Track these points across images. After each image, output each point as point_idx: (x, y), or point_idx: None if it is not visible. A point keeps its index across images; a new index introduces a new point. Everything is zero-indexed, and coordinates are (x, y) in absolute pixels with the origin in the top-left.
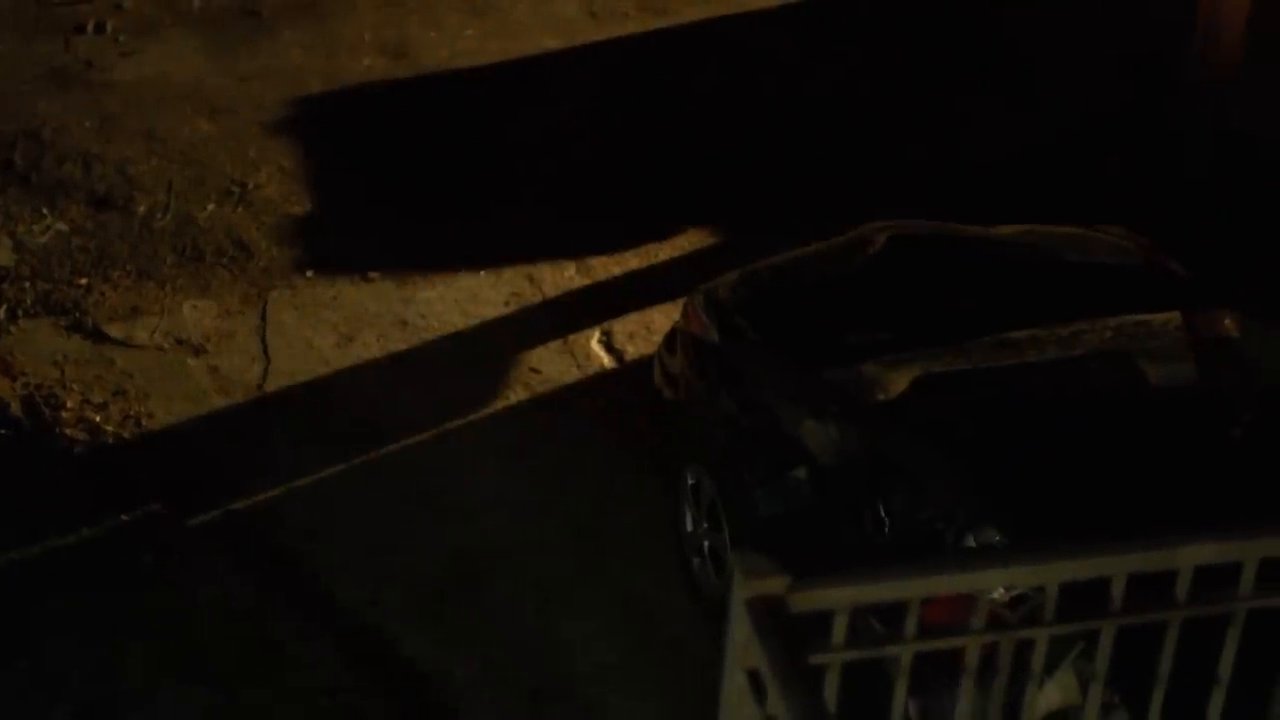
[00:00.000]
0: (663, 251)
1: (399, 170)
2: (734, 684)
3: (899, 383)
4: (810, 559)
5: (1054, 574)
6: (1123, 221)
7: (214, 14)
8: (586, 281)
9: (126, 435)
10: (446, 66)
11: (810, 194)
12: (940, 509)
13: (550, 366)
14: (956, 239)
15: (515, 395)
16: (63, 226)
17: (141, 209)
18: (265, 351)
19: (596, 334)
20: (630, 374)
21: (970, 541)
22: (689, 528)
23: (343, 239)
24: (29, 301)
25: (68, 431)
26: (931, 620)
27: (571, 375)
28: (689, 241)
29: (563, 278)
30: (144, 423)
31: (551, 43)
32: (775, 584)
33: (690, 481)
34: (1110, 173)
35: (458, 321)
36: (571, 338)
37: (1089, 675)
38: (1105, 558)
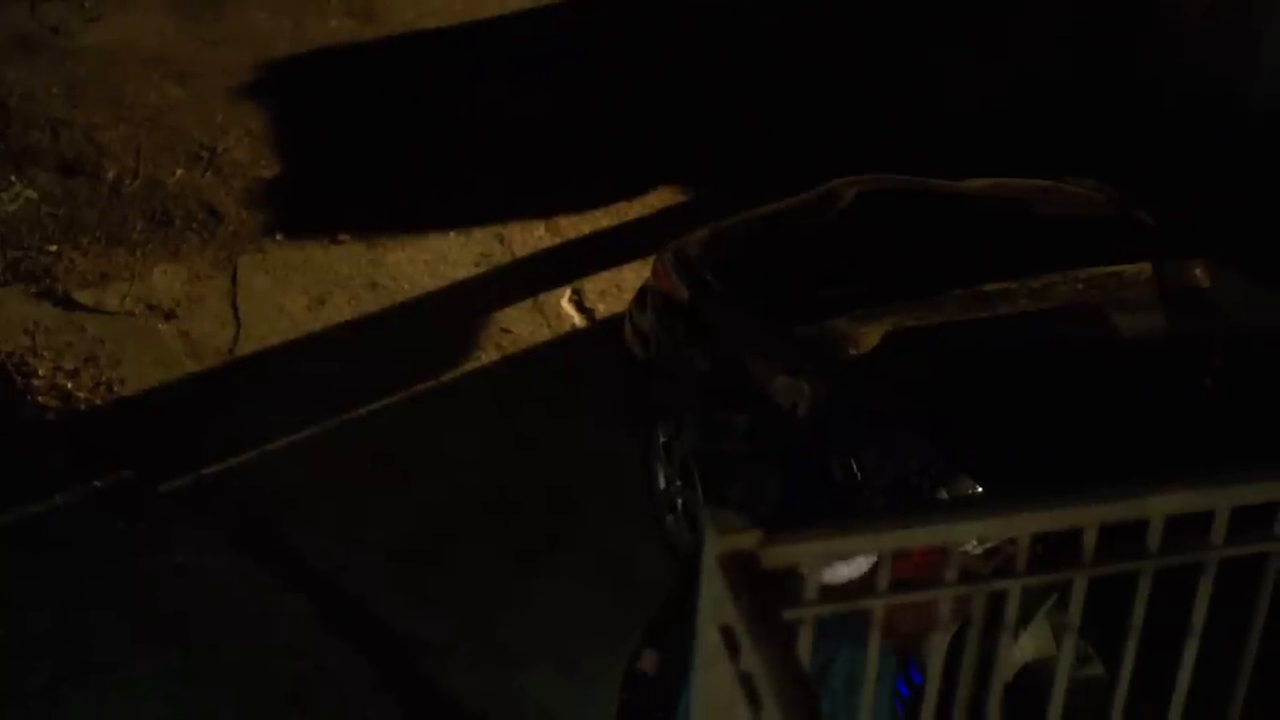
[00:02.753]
0: (632, 210)
1: (367, 132)
2: (707, 641)
3: (870, 337)
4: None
5: (1026, 525)
6: (1093, 173)
7: None
8: (556, 241)
9: (98, 402)
10: (413, 27)
11: (779, 150)
12: (913, 462)
13: (521, 326)
14: (926, 193)
15: (487, 355)
16: (31, 194)
17: (110, 175)
18: (236, 316)
19: (567, 293)
20: (601, 332)
21: (943, 494)
22: (661, 485)
23: (312, 202)
24: None
25: (40, 399)
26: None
27: (543, 335)
28: (659, 199)
29: (532, 237)
30: (116, 389)
31: (517, 3)
32: (747, 539)
33: (662, 439)
34: (1080, 123)
35: (428, 283)
36: (542, 297)
37: (1063, 626)
38: (1077, 508)
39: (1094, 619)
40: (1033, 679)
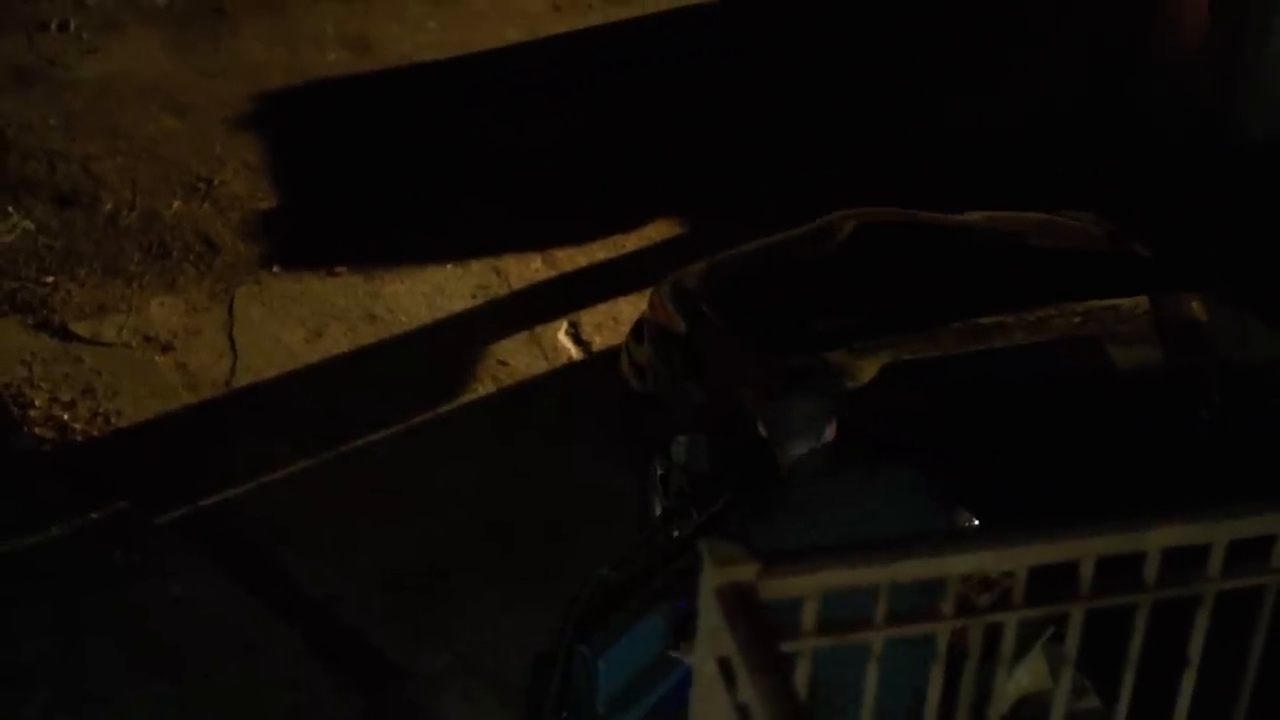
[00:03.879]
0: (629, 242)
1: (364, 164)
2: (704, 672)
3: (867, 370)
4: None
5: (1023, 557)
6: (1089, 206)
7: (177, 10)
8: (553, 273)
9: (95, 433)
10: (410, 60)
11: (778, 182)
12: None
13: (518, 358)
14: (923, 226)
15: (483, 388)
16: (28, 225)
17: (107, 206)
18: (233, 347)
19: (564, 325)
20: (598, 365)
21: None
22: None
23: (309, 234)
24: None
25: (36, 430)
26: None
27: (539, 367)
28: (655, 232)
29: (529, 270)
30: (112, 420)
31: (514, 34)
32: (745, 571)
33: (659, 471)
34: (1077, 156)
35: (425, 315)
36: (539, 329)
37: (1059, 659)
38: (1074, 541)
39: (1090, 652)
40: (1029, 712)
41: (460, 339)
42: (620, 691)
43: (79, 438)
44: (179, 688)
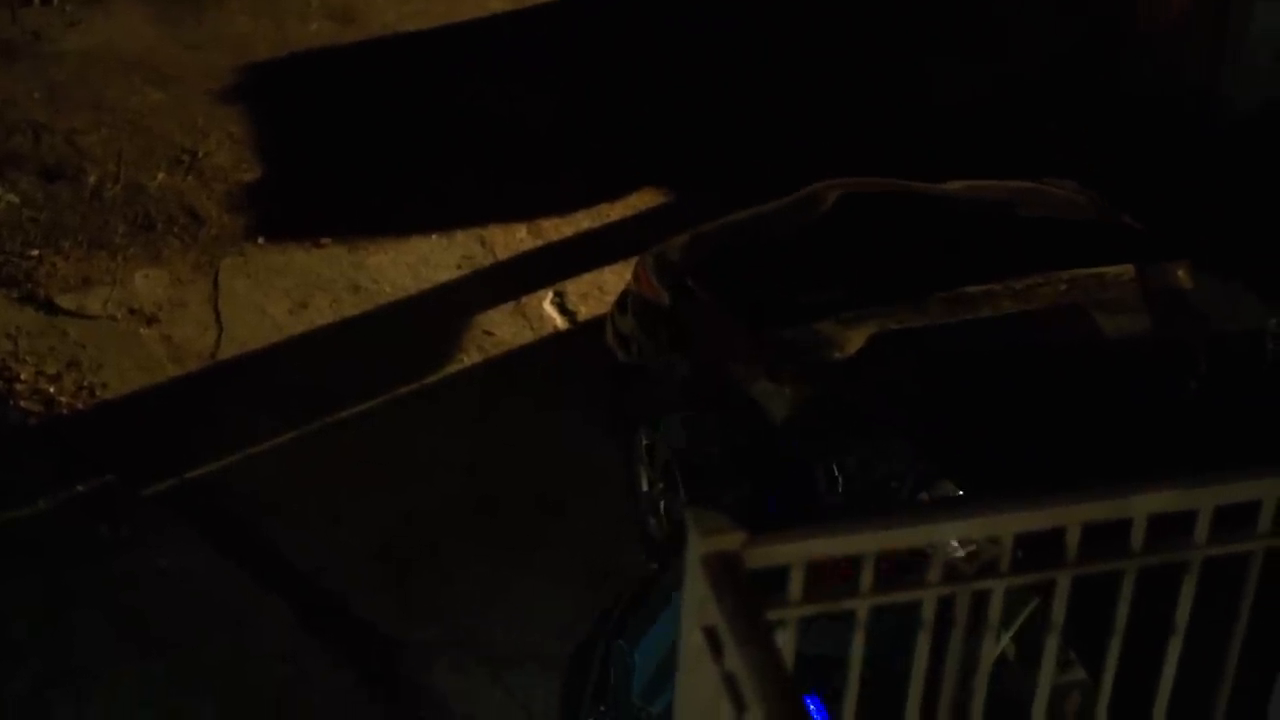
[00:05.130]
0: (614, 211)
1: (348, 135)
2: (691, 641)
3: (854, 341)
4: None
5: (1009, 525)
6: (1073, 174)
7: None
8: (538, 243)
9: (81, 406)
10: (394, 30)
11: (762, 152)
12: (895, 466)
13: (503, 328)
14: (908, 195)
15: (469, 358)
16: (13, 198)
17: (92, 179)
18: (218, 319)
19: (549, 295)
20: (583, 334)
21: (925, 498)
22: (644, 488)
23: (293, 205)
24: None
25: (22, 403)
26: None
27: (525, 337)
28: (640, 201)
29: (514, 239)
30: (98, 393)
31: (498, 4)
32: (730, 540)
33: (645, 442)
34: (1063, 126)
35: (410, 285)
36: (524, 299)
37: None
38: (1060, 508)
39: (1075, 624)
40: (1015, 684)
41: (446, 309)
42: (653, 679)
43: (65, 411)
44: (167, 661)
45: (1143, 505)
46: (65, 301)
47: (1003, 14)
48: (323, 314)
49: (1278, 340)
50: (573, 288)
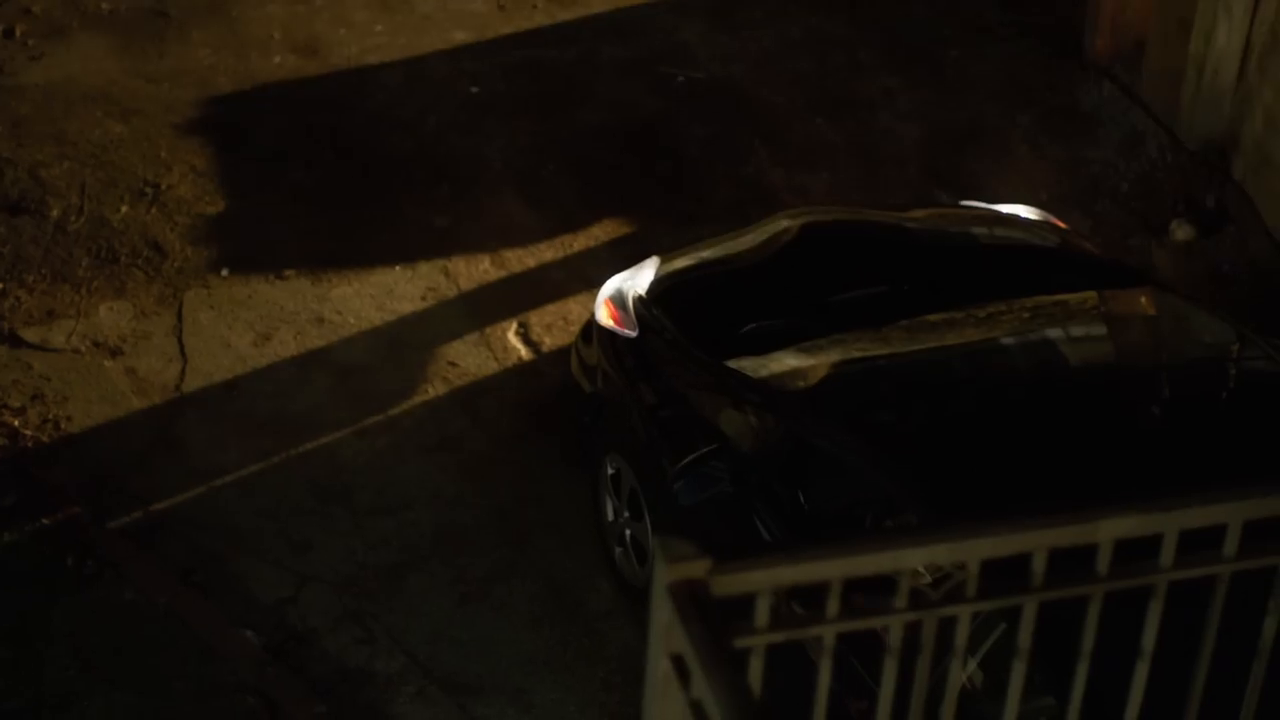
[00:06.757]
0: (577, 242)
1: (312, 167)
2: (658, 669)
3: (817, 370)
4: (732, 547)
5: (975, 551)
6: (1036, 203)
7: (123, 16)
8: (502, 274)
9: (45, 439)
10: (357, 63)
11: (723, 182)
12: (859, 495)
13: (468, 360)
14: (870, 224)
15: (434, 389)
16: None
17: (55, 212)
18: (182, 352)
19: (513, 326)
20: (548, 365)
21: (889, 525)
22: (610, 517)
23: (257, 237)
24: None
25: None
26: None
27: (489, 368)
28: (603, 231)
29: (478, 271)
30: (63, 426)
31: (461, 36)
32: (697, 568)
33: (610, 471)
34: (1025, 153)
35: (374, 317)
36: (488, 330)
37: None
38: (1026, 533)
39: (1042, 650)
40: (982, 709)
41: (410, 341)
42: None
43: (29, 444)
44: (135, 694)
45: (1108, 530)
46: (29, 335)
47: (963, 41)
48: (287, 346)
49: (1240, 366)
50: (537, 318)
